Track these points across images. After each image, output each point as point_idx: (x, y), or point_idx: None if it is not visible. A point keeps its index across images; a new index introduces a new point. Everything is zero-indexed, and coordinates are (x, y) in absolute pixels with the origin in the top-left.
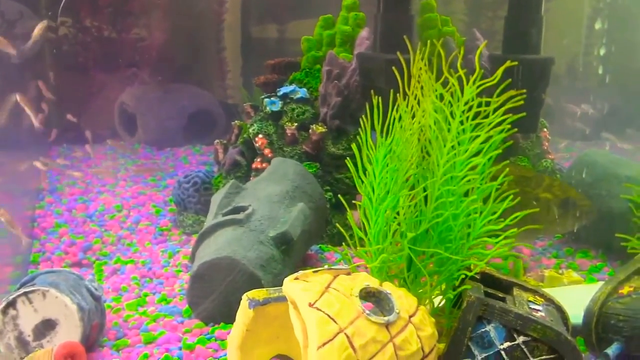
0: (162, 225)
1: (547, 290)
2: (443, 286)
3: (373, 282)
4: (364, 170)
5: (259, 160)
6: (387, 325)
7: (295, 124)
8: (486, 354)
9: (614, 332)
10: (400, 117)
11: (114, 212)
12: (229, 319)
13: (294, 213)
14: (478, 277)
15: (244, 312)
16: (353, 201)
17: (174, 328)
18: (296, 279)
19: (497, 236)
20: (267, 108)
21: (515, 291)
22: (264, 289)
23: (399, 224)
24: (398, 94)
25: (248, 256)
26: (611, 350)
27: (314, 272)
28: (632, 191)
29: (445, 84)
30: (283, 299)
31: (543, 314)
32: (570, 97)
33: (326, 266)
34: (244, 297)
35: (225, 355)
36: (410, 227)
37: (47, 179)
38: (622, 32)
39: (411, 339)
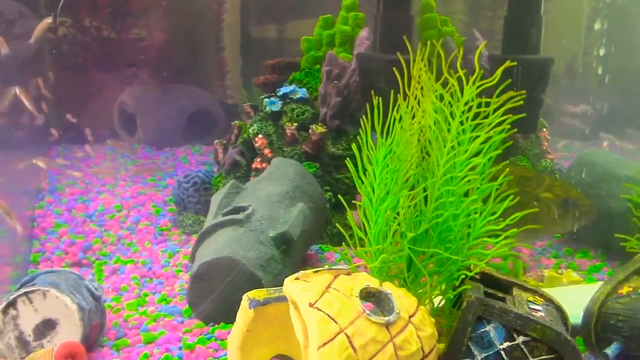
0: (162, 225)
1: (547, 290)
2: (443, 286)
3: (373, 282)
4: (364, 170)
5: (258, 160)
6: (387, 326)
7: (295, 124)
8: (486, 354)
9: (613, 332)
10: (400, 118)
11: (114, 212)
12: (229, 318)
13: (294, 213)
14: (478, 277)
15: (244, 312)
16: (353, 201)
17: (174, 328)
18: (296, 279)
19: (497, 236)
20: (267, 108)
21: (515, 291)
22: (264, 289)
23: (399, 224)
24: (398, 95)
25: (248, 256)
26: (610, 350)
27: (315, 272)
28: (632, 191)
29: (445, 84)
30: (283, 299)
31: (542, 314)
32: (569, 97)
33: (326, 266)
34: (245, 297)
35: (225, 355)
36: (410, 228)
37: (47, 178)
38: (621, 33)
39: (411, 339)
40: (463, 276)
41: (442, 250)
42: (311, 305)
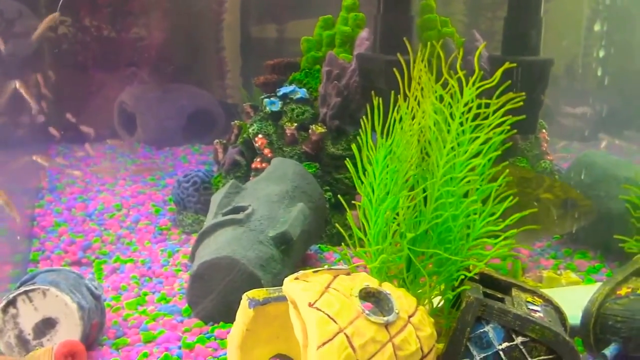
0: (162, 225)
1: (546, 291)
2: (442, 287)
3: (373, 283)
4: (364, 170)
5: (258, 160)
6: (386, 326)
7: (295, 124)
8: (485, 355)
9: (611, 333)
10: (400, 119)
11: (114, 211)
12: (229, 318)
13: (294, 213)
14: (477, 278)
15: (244, 312)
16: (352, 201)
17: (173, 327)
18: (296, 279)
19: (497, 237)
20: (267, 108)
21: (514, 292)
22: (264, 288)
23: (398, 225)
24: (398, 95)
25: (248, 256)
26: (609, 351)
27: (314, 272)
28: (631, 192)
29: (445, 85)
30: (283, 298)
31: (541, 314)
32: (569, 98)
33: (326, 266)
34: (244, 296)
35: (224, 354)
36: (410, 228)
37: (47, 177)
38: (621, 34)
39: (410, 339)
40: (462, 277)
41: (441, 251)
42: (311, 305)
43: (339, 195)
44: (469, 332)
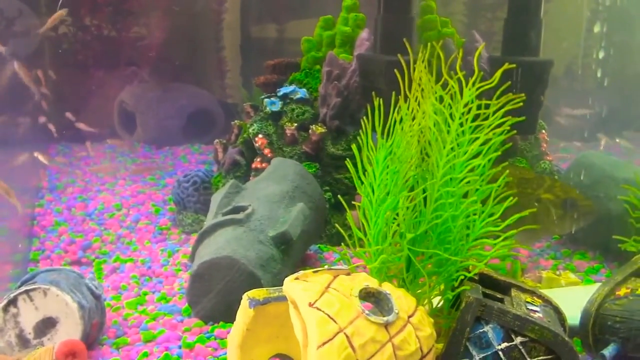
0: (162, 224)
1: (545, 292)
2: (442, 287)
3: (372, 283)
4: (364, 171)
5: (258, 160)
6: (386, 325)
7: (295, 124)
8: (484, 355)
9: (610, 333)
10: (400, 119)
11: (114, 211)
12: (229, 318)
13: (294, 213)
14: (476, 278)
15: (244, 312)
16: (352, 202)
17: (173, 327)
18: (296, 279)
19: (497, 237)
20: (267, 108)
21: (513, 292)
22: (264, 288)
23: (398, 225)
24: (398, 96)
25: (248, 256)
26: (608, 352)
27: (314, 272)
28: (629, 193)
29: (445, 85)
30: (283, 298)
31: (540, 315)
32: (568, 99)
33: (326, 266)
34: (245, 296)
35: (225, 354)
36: (410, 228)
37: (47, 177)
38: (621, 35)
39: (410, 339)
40: (462, 277)
41: (441, 251)
42: (311, 305)
43: (338, 196)
44: (469, 332)
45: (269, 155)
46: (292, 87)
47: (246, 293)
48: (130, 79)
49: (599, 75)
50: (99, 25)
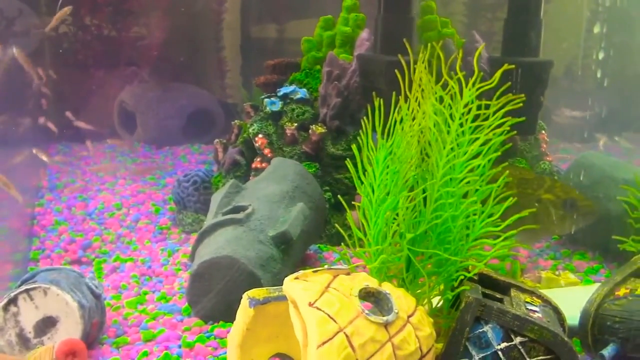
0: (162, 224)
1: (544, 292)
2: (441, 287)
3: (372, 282)
4: (364, 171)
5: (258, 160)
6: (385, 325)
7: (295, 124)
8: (483, 354)
9: (610, 334)
10: (401, 120)
11: (114, 210)
12: (229, 317)
13: (294, 213)
14: (476, 278)
15: (244, 311)
16: (352, 202)
17: (173, 326)
18: (296, 278)
19: (497, 238)
20: (267, 108)
21: (513, 292)
22: (264, 288)
23: (398, 225)
24: (398, 96)
25: (248, 255)
26: (607, 352)
27: (314, 272)
28: (629, 193)
29: (445, 86)
30: (283, 298)
31: (540, 315)
32: (568, 99)
33: (326, 266)
34: (245, 296)
35: (224, 353)
36: (410, 228)
37: (47, 176)
38: (620, 36)
39: (409, 339)
40: (461, 277)
41: (441, 251)
42: (311, 304)
43: (338, 196)
44: (468, 332)
45: (269, 155)
46: (292, 87)
47: (246, 292)
48: (130, 78)
49: (598, 75)
50: (99, 25)
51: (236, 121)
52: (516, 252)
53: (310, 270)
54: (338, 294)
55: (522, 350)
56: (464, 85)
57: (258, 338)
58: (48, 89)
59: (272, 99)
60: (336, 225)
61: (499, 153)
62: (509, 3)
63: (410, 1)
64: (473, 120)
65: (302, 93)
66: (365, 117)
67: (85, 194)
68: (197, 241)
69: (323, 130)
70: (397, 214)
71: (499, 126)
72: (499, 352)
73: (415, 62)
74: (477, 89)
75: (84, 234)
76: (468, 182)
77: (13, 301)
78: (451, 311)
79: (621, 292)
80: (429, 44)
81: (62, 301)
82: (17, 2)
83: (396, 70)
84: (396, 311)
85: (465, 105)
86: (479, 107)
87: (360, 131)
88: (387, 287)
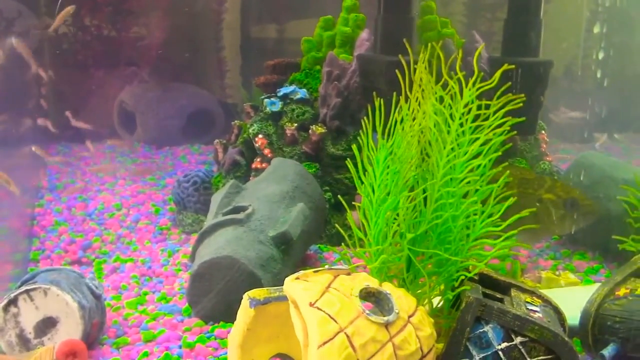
0: (162, 224)
1: (545, 292)
2: (442, 287)
3: (373, 283)
4: (364, 171)
5: (258, 160)
6: (386, 325)
7: (295, 125)
8: (484, 354)
9: (610, 333)
10: (401, 120)
11: (114, 211)
12: (229, 317)
13: (294, 213)
14: (476, 278)
15: (244, 311)
16: (352, 202)
17: (173, 326)
18: (297, 278)
19: (497, 238)
20: (267, 108)
21: (513, 292)
22: (265, 288)
23: (398, 225)
24: (398, 96)
25: (248, 256)
26: (607, 352)
27: (315, 272)
28: (629, 193)
29: (445, 86)
30: (284, 298)
31: (540, 315)
32: (568, 99)
33: (326, 266)
34: (245, 296)
35: (225, 353)
36: (410, 228)
37: (47, 177)
38: (620, 36)
39: (410, 339)
40: (462, 277)
41: (441, 251)
42: (311, 304)
43: (339, 196)
44: (469, 332)
45: (269, 155)
46: (292, 88)
47: (247, 293)
48: (130, 79)
49: (598, 76)
50: (99, 25)
51: (236, 121)
52: (516, 252)
53: (310, 271)
54: (339, 294)
55: (522, 350)
56: (464, 85)
57: (259, 338)
58: (48, 89)
59: (272, 99)
60: (336, 225)
61: (499, 153)
62: (509, 3)
63: (410, 1)
64: (473, 120)
65: (302, 93)
66: (365, 117)
67: (85, 195)
68: (197, 241)
69: (323, 131)
70: (398, 214)
71: (499, 126)
72: (500, 352)
73: (415, 62)
74: (477, 89)
75: (84, 234)
76: (468, 182)
77: (13, 302)
78: (452, 311)
79: (621, 292)
80: (429, 44)
81: (62, 302)
82: (16, 3)
83: (396, 71)
84: (397, 311)
85: (465, 105)
86: (479, 107)
87: (361, 131)
88: (388, 287)
